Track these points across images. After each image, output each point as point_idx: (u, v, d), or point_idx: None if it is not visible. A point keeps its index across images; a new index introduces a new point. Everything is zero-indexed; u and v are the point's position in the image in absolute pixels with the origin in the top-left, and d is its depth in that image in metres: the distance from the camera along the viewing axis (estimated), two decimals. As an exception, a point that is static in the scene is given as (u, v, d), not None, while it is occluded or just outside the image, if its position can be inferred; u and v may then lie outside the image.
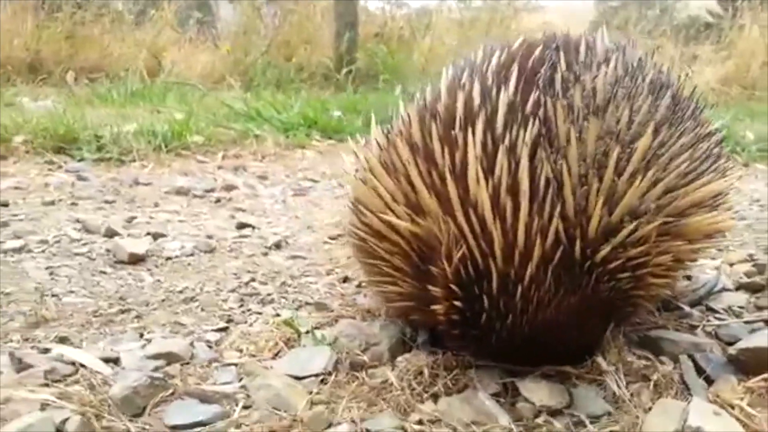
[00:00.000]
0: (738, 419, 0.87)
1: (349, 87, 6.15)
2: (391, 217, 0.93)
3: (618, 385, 0.94)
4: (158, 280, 1.56)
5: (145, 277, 1.59)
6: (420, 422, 0.90)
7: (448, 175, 0.88)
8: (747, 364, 0.99)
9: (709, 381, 0.99)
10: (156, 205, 2.42)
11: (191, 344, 1.12)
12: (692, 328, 1.18)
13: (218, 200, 2.59)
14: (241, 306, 1.38)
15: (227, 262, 1.74)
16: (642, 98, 0.96)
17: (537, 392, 0.95)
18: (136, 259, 1.69)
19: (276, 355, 1.10)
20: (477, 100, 0.94)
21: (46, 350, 1.08)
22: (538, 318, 0.88)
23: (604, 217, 0.85)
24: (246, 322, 1.27)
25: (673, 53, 8.03)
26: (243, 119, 3.96)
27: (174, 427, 0.87)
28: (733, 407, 0.89)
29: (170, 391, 0.95)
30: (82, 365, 0.99)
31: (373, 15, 7.31)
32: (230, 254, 1.83)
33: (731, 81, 7.79)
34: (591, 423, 0.89)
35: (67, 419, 0.84)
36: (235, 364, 1.06)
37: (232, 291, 1.47)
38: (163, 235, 1.95)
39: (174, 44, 6.34)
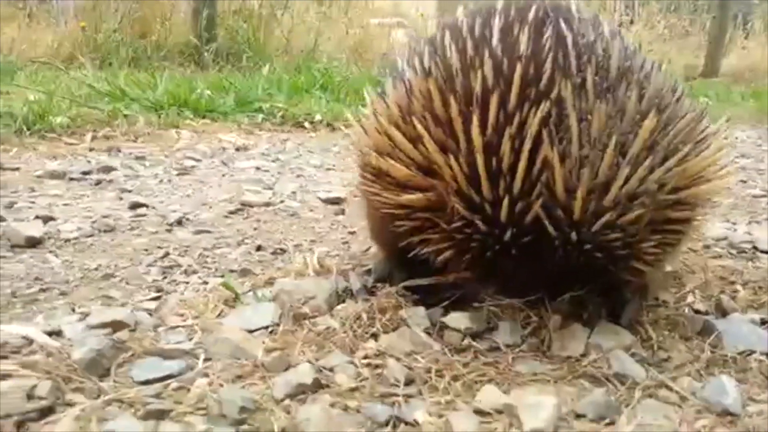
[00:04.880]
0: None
1: (211, 65, 6.00)
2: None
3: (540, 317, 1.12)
4: (67, 260, 1.54)
5: (51, 258, 1.55)
6: (366, 357, 1.03)
7: (464, 145, 0.98)
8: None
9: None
10: (32, 189, 2.29)
11: (132, 312, 1.15)
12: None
13: (98, 182, 2.50)
14: (165, 277, 1.42)
15: (132, 240, 1.74)
16: (649, 77, 1.05)
17: (461, 321, 1.12)
18: (34, 242, 1.64)
19: (219, 315, 1.17)
20: (490, 78, 1.00)
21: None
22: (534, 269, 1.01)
23: (596, 198, 0.95)
24: (176, 291, 1.32)
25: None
26: (108, 99, 3.79)
27: (145, 382, 0.92)
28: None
29: (129, 353, 0.99)
30: (31, 339, 1.00)
31: (231, -9, 7.12)
32: (132, 233, 1.82)
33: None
34: (506, 347, 1.07)
35: (35, 386, 0.86)
36: (182, 327, 1.11)
37: (151, 265, 1.50)
38: (52, 219, 1.89)
39: (11, 21, 5.79)
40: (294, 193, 2.42)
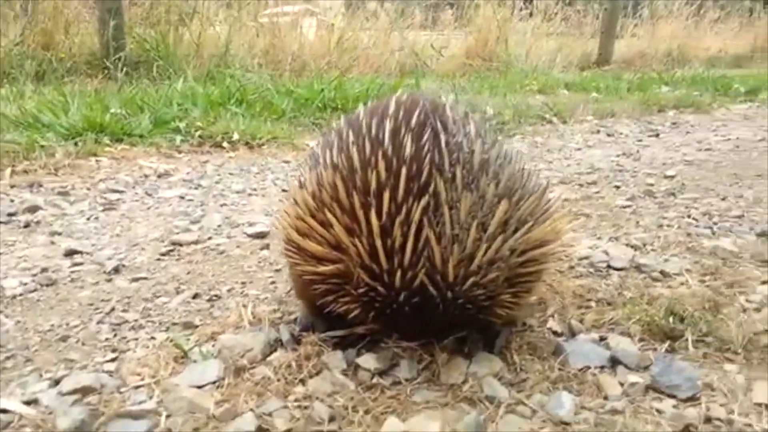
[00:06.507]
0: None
1: (120, 76, 5.99)
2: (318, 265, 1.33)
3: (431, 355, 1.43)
4: (19, 321, 1.71)
5: (3, 320, 1.72)
6: (297, 400, 1.31)
7: (365, 229, 1.26)
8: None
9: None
10: (-38, 239, 2.40)
11: (96, 376, 1.38)
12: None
13: (27, 225, 2.62)
14: (116, 335, 1.63)
15: (76, 293, 1.92)
16: (503, 166, 1.37)
17: (369, 362, 1.41)
18: (-17, 303, 1.80)
19: (171, 373, 1.41)
20: (384, 175, 1.29)
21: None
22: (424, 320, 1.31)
23: (464, 266, 1.25)
24: (129, 349, 1.54)
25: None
26: (21, 128, 3.81)
27: (122, 442, 1.16)
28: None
29: (102, 417, 1.22)
30: (11, 411, 1.21)
31: (137, -2, 7.06)
32: (74, 285, 2.00)
33: (473, 54, 9.02)
34: (405, 381, 1.37)
35: (32, 456, 1.09)
36: (142, 386, 1.35)
37: (101, 322, 1.70)
38: (-9, 273, 2.03)
39: None
40: (220, 226, 2.63)
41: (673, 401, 1.33)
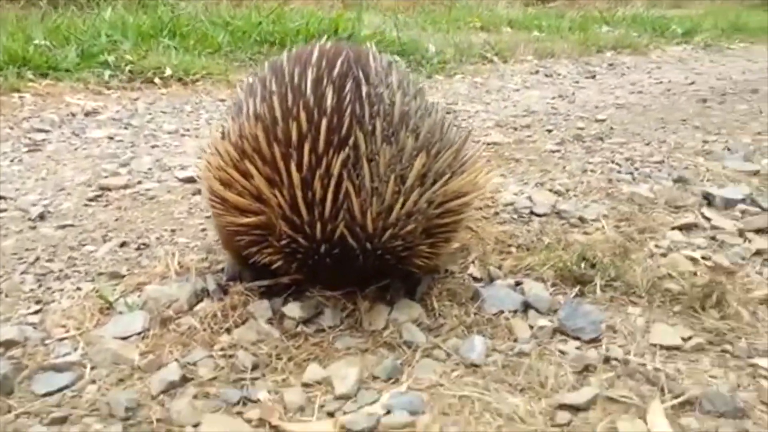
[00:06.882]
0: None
1: (43, 2, 5.64)
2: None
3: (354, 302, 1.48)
4: (-59, 271, 1.68)
5: None
6: (222, 349, 1.35)
7: (286, 181, 1.27)
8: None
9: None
10: None
11: (19, 329, 1.38)
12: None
13: (-52, 166, 2.52)
14: (41, 285, 1.62)
15: (0, 243, 1.88)
16: (423, 118, 1.39)
17: (294, 311, 1.46)
18: None
19: (96, 324, 1.42)
20: (305, 127, 1.29)
21: None
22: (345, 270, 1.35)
23: (383, 218, 1.29)
24: (54, 301, 1.54)
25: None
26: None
27: (45, 394, 1.18)
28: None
29: (26, 370, 1.24)
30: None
31: None
32: (-3, 232, 1.96)
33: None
34: (329, 328, 1.43)
35: (-51, 408, 1.10)
36: (67, 338, 1.36)
37: (25, 272, 1.68)
38: None
39: None
40: (150, 170, 2.59)
41: (577, 343, 1.44)
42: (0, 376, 1.18)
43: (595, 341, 1.45)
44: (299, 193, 1.29)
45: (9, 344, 1.32)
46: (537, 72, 5.47)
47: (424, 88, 1.56)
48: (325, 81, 1.39)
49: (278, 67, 1.51)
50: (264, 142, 1.33)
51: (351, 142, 1.31)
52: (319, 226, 1.30)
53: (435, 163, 1.39)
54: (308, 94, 1.37)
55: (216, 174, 1.40)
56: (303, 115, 1.32)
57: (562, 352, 1.40)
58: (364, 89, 1.37)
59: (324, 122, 1.31)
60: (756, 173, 2.68)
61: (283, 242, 1.34)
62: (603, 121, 3.72)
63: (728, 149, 3.11)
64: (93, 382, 1.23)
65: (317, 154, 1.30)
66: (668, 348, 1.42)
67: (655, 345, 1.44)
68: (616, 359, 1.39)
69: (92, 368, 1.27)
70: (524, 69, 5.59)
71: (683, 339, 1.45)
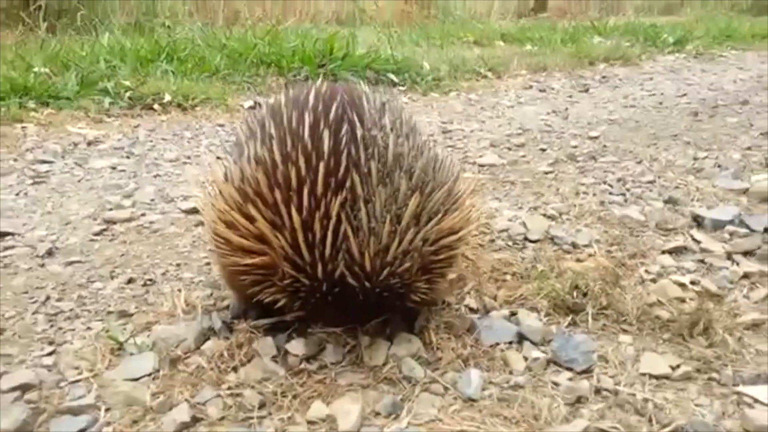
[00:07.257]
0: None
1: (41, 26, 5.72)
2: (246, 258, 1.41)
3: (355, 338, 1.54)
4: (-47, 313, 1.74)
5: (-64, 310, 1.74)
6: (230, 388, 1.41)
7: (287, 223, 1.34)
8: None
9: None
10: None
11: (34, 372, 1.44)
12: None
13: (-46, 201, 2.57)
14: (52, 326, 1.68)
15: (10, 281, 1.94)
16: (417, 158, 1.45)
17: (298, 348, 1.52)
18: None
19: (108, 365, 1.48)
20: (303, 171, 1.36)
21: None
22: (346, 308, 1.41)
23: (381, 257, 1.35)
24: (66, 342, 1.60)
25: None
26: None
27: (63, 439, 1.24)
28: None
29: (44, 414, 1.30)
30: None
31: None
32: (7, 271, 2.01)
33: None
34: (331, 364, 1.49)
35: (-25, 456, 1.16)
36: (80, 380, 1.42)
37: (36, 313, 1.74)
38: None
39: None
40: (153, 200, 2.66)
41: (569, 374, 1.50)
42: (20, 421, 1.24)
43: (587, 372, 1.51)
44: (300, 235, 1.36)
45: (26, 387, 1.38)
46: (530, 87, 5.55)
47: (417, 125, 1.62)
48: (321, 125, 1.46)
49: (276, 111, 1.58)
50: (265, 185, 1.40)
51: (348, 184, 1.37)
52: (320, 266, 1.36)
53: (429, 202, 1.45)
54: (306, 139, 1.44)
55: (220, 217, 1.47)
56: (302, 159, 1.39)
57: (555, 384, 1.46)
58: (359, 132, 1.44)
59: (322, 166, 1.37)
60: (745, 191, 2.75)
61: (286, 282, 1.41)
62: (596, 138, 3.79)
63: (719, 166, 3.18)
64: (108, 424, 1.29)
65: (316, 196, 1.36)
66: (657, 377, 1.49)
67: (644, 374, 1.51)
68: (606, 390, 1.45)
69: (107, 410, 1.33)
70: (518, 84, 5.67)
71: (672, 368, 1.52)
